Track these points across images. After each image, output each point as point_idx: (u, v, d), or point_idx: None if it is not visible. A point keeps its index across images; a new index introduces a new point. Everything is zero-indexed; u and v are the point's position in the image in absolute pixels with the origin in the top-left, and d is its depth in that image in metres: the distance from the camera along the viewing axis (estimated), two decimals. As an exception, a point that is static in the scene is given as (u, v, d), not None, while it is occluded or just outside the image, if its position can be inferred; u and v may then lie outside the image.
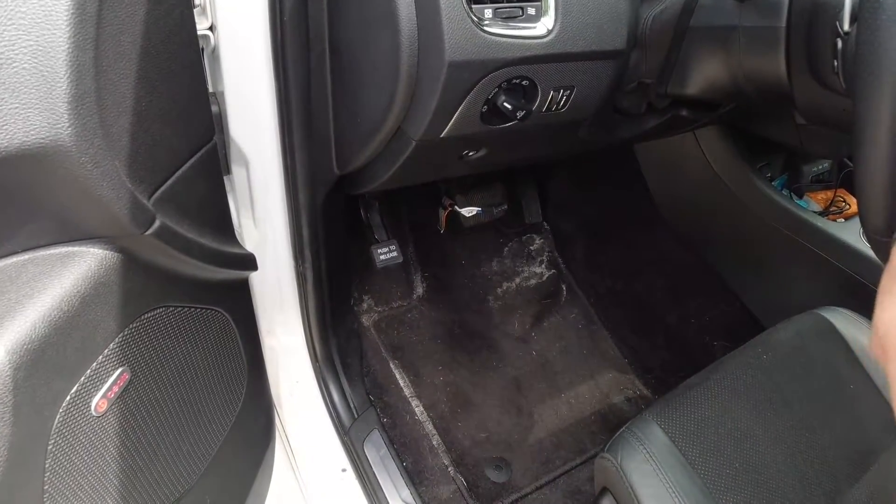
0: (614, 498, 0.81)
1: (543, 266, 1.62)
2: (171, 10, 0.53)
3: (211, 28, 0.83)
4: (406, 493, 1.12)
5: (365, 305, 1.40)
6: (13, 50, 0.38)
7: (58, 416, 0.51)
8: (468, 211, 1.16)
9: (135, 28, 0.47)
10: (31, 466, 0.50)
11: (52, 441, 0.51)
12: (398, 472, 1.15)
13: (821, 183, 1.35)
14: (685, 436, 0.82)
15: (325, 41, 0.78)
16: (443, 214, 1.23)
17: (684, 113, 0.87)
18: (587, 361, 1.47)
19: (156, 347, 0.63)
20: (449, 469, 1.21)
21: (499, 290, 1.55)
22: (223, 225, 0.73)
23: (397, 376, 1.32)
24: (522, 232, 1.64)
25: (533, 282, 1.59)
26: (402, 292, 1.45)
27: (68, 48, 0.40)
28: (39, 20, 0.38)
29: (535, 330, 1.50)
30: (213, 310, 0.73)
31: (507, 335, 1.48)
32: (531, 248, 1.64)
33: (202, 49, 0.86)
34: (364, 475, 1.14)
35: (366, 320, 1.39)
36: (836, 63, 0.58)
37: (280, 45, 0.80)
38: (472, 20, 0.60)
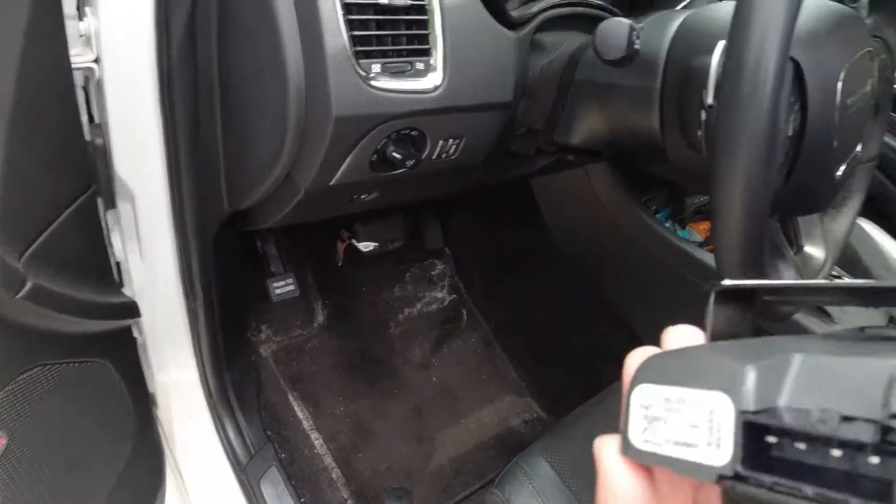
0: (505, 531, 0.83)
1: (444, 291, 1.65)
2: (46, 54, 0.51)
3: (96, 60, 0.80)
4: (304, 530, 1.11)
5: (263, 335, 1.37)
6: None
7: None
8: (365, 246, 1.16)
9: (6, 74, 0.45)
10: None
11: None
12: (296, 509, 1.13)
13: (702, 214, 1.44)
14: (571, 469, 0.85)
15: (215, 79, 0.77)
16: (340, 248, 1.22)
17: (570, 158, 0.90)
18: (487, 386, 1.50)
19: (35, 407, 0.60)
20: (348, 502, 1.20)
21: (400, 315, 1.55)
22: (102, 274, 0.71)
23: (296, 408, 1.30)
24: (424, 258, 1.66)
25: (434, 307, 1.61)
26: (302, 321, 1.44)
27: None
28: None
29: (435, 356, 1.52)
30: (94, 362, 0.70)
31: (408, 362, 1.49)
32: (433, 273, 1.66)
33: (88, 80, 0.83)
34: (261, 513, 1.11)
35: (264, 350, 1.36)
36: (699, 132, 0.63)
37: (167, 80, 0.78)
38: (360, 75, 0.61)
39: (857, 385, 0.17)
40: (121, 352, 0.77)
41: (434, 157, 0.75)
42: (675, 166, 0.76)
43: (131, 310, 0.77)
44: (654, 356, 0.22)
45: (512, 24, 0.75)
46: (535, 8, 0.80)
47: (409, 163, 0.71)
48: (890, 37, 0.95)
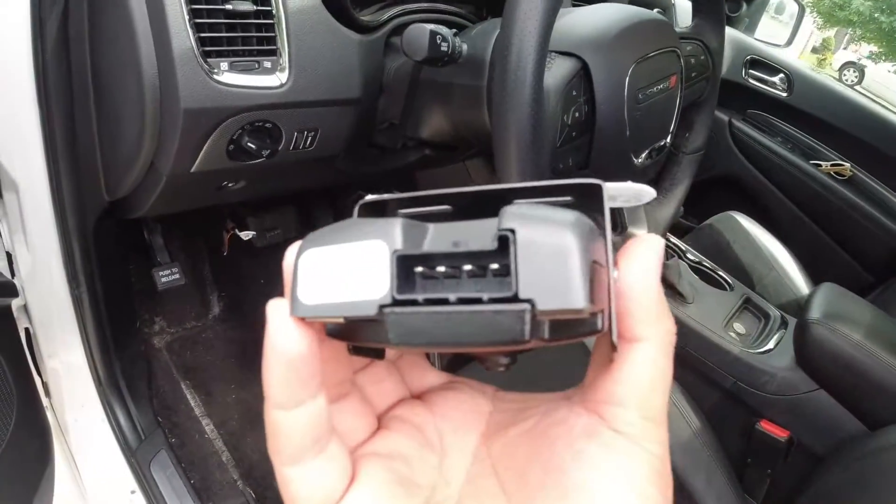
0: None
1: (342, 284, 1.72)
2: None
3: (-25, 56, 0.85)
4: (192, 508, 1.16)
5: (157, 327, 1.41)
6: None
7: None
8: (245, 234, 1.23)
9: None
10: None
11: None
12: (185, 490, 1.18)
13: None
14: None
15: (89, 77, 0.83)
16: (226, 237, 1.28)
17: (428, 152, 1.00)
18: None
19: None
20: (238, 483, 1.26)
21: (296, 308, 1.61)
22: (-26, 253, 0.75)
23: (188, 396, 1.35)
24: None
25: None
26: (196, 313, 1.48)
27: None
28: None
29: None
30: (-34, 337, 0.75)
31: (303, 351, 1.55)
32: (330, 267, 1.72)
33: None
34: (151, 495, 1.16)
35: (157, 342, 1.40)
36: None
37: (43, 78, 0.84)
38: (206, 72, 0.69)
39: (477, 229, 0.22)
40: (1, 331, 0.81)
41: (291, 147, 0.83)
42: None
43: (10, 289, 0.82)
44: (315, 231, 0.25)
45: (361, 28, 0.84)
46: (387, 14, 0.90)
47: (265, 152, 0.79)
48: (710, 40, 1.09)
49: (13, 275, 1.07)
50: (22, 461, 0.94)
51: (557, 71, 0.70)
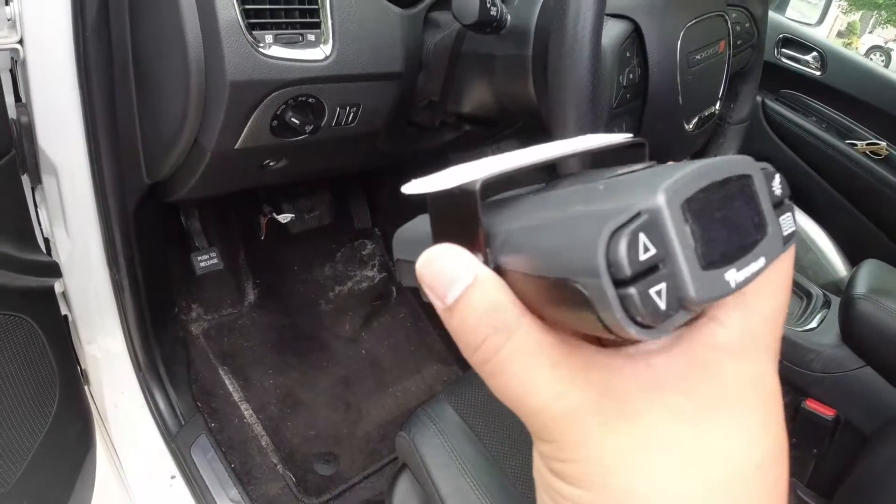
0: (411, 471, 0.91)
1: (375, 270, 1.71)
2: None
3: (20, 41, 0.85)
4: (234, 492, 1.17)
5: (194, 314, 1.42)
6: None
7: None
8: (283, 217, 1.22)
9: None
10: None
11: None
12: (225, 474, 1.19)
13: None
14: (473, 412, 0.93)
15: (129, 56, 0.83)
16: (263, 221, 1.28)
17: (467, 128, 0.99)
18: (414, 356, 1.57)
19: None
20: (278, 467, 1.26)
21: (331, 293, 1.62)
22: (23, 233, 0.76)
23: (226, 382, 1.35)
24: (354, 237, 1.72)
25: (365, 285, 1.67)
26: (232, 300, 1.49)
27: None
28: None
29: (364, 330, 1.59)
30: (16, 316, 0.75)
31: (337, 336, 1.55)
32: (363, 252, 1.72)
33: (14, 61, 0.88)
34: (193, 480, 1.16)
35: (195, 329, 1.41)
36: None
37: (84, 58, 0.84)
38: (251, 44, 0.68)
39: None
40: (44, 311, 0.81)
41: (333, 123, 0.82)
42: (549, 131, 0.85)
43: (51, 269, 0.82)
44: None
45: (402, 2, 0.83)
46: (427, -12, 0.88)
47: (308, 128, 0.78)
48: (755, 7, 1.06)
49: (52, 261, 1.07)
50: (65, 444, 0.94)
51: (611, 31, 0.68)
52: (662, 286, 0.20)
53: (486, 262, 0.24)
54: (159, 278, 1.17)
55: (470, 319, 0.24)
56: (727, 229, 0.22)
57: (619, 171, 0.26)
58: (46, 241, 1.06)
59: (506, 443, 0.90)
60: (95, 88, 0.86)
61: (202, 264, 1.14)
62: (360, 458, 1.34)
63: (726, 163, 0.23)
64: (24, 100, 0.92)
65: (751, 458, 0.23)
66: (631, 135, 0.28)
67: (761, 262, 0.22)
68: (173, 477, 1.18)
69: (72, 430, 0.96)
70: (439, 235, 0.26)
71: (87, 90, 0.87)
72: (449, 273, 0.24)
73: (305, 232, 1.53)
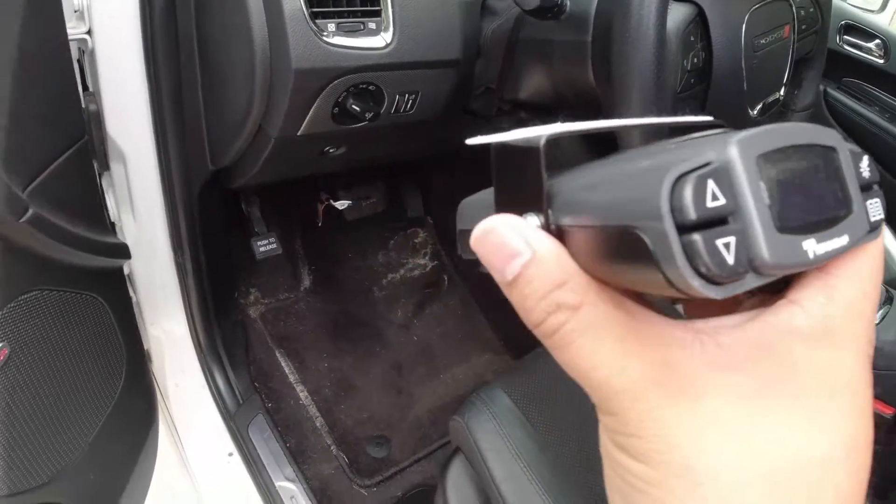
0: (464, 454, 0.91)
1: (427, 258, 1.73)
2: (42, 23, 0.59)
3: (89, 32, 0.88)
4: (289, 470, 1.20)
5: (252, 298, 1.46)
6: None
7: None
8: (340, 204, 1.25)
9: (10, 41, 0.54)
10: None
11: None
12: (282, 453, 1.22)
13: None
14: (527, 398, 0.93)
15: (194, 45, 0.85)
16: (320, 208, 1.31)
17: (524, 115, 0.98)
18: (465, 344, 1.58)
19: (34, 326, 0.68)
20: (331, 448, 1.29)
21: (384, 280, 1.64)
22: (95, 216, 0.79)
23: (283, 364, 1.39)
24: (407, 226, 1.74)
25: (416, 272, 1.69)
26: (289, 285, 1.52)
27: None
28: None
29: (417, 317, 1.60)
30: (88, 295, 0.79)
31: (390, 323, 1.57)
32: (415, 241, 1.74)
33: (82, 51, 0.91)
34: (249, 457, 1.20)
35: (252, 312, 1.45)
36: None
37: (151, 49, 0.87)
38: (315, 32, 0.69)
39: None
40: (113, 291, 0.85)
41: (392, 110, 0.83)
42: (608, 116, 0.84)
43: (121, 250, 0.85)
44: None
45: (461, -10, 0.83)
46: (485, -25, 0.88)
47: (369, 115, 0.79)
48: (819, -8, 1.03)
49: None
50: (129, 420, 0.98)
51: (675, 15, 0.67)
52: (731, 239, 0.19)
53: (546, 222, 0.23)
54: (221, 262, 1.21)
55: (531, 297, 0.23)
56: (807, 197, 0.20)
57: (692, 136, 0.25)
58: (112, 225, 1.10)
59: (559, 430, 0.90)
60: (163, 78, 0.89)
61: (262, 249, 1.17)
62: (411, 441, 1.35)
63: (810, 129, 0.22)
64: (91, 88, 0.95)
65: (813, 449, 0.22)
66: (710, 117, 0.27)
67: (844, 239, 0.21)
68: (230, 454, 1.22)
69: (136, 407, 1.00)
70: (501, 194, 0.25)
71: (155, 80, 0.90)
72: (507, 247, 0.23)
73: (359, 219, 1.55)
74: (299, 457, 1.25)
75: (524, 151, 0.23)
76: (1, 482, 0.67)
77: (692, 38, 0.69)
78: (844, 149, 0.22)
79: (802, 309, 0.23)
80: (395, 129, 0.89)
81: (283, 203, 1.44)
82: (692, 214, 0.18)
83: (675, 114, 0.68)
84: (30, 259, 0.65)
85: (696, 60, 0.70)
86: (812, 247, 0.20)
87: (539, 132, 0.23)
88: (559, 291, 0.23)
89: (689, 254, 0.19)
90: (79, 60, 0.94)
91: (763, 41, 0.78)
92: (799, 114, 1.00)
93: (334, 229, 1.55)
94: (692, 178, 0.19)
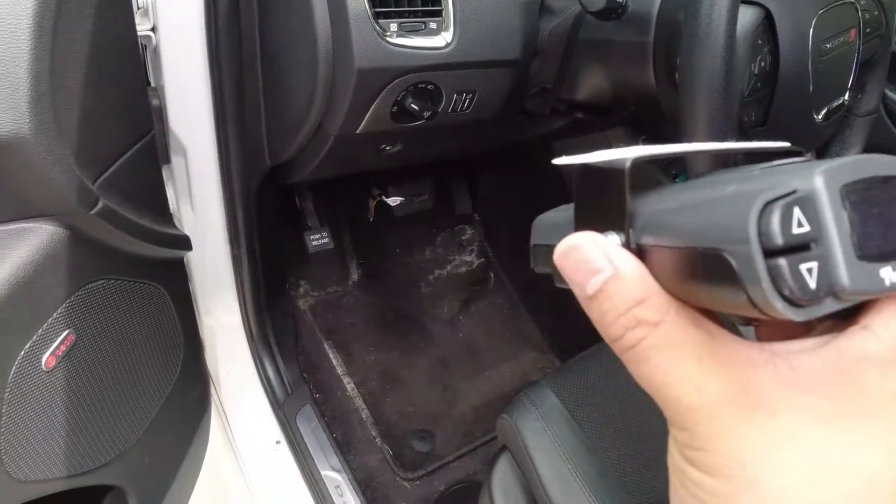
0: (511, 453, 0.92)
1: (473, 255, 1.73)
2: (114, 21, 0.62)
3: (153, 29, 0.91)
4: (335, 460, 1.22)
5: (302, 290, 1.48)
6: None
7: (13, 369, 0.59)
8: (392, 200, 1.26)
9: (83, 38, 0.56)
10: (-13, 411, 0.58)
11: (8, 390, 0.59)
12: (328, 443, 1.24)
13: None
14: (575, 399, 0.93)
15: (257, 44, 0.87)
16: (372, 204, 1.32)
17: (580, 115, 0.98)
18: (510, 343, 1.58)
19: (99, 314, 0.71)
20: (376, 440, 1.31)
21: (430, 276, 1.65)
22: (160, 208, 0.81)
23: (330, 356, 1.41)
24: (454, 223, 1.74)
25: (463, 269, 1.70)
26: (337, 278, 1.54)
27: (29, 58, 0.48)
28: (7, 36, 0.47)
29: (462, 314, 1.61)
30: (150, 284, 0.81)
31: (436, 319, 1.58)
32: (462, 238, 1.74)
33: (145, 47, 0.94)
34: (296, 446, 1.23)
35: (302, 304, 1.47)
36: (677, 76, 0.70)
37: (215, 46, 0.89)
38: (378, 32, 0.70)
39: None
40: (174, 281, 0.88)
41: (450, 110, 0.83)
42: (668, 118, 0.83)
43: (185, 242, 0.88)
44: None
45: (520, -10, 0.83)
46: (544, -25, 0.88)
47: (426, 114, 0.80)
48: (883, -6, 0.99)
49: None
50: (185, 405, 1.01)
51: (743, 18, 0.66)
52: (814, 265, 0.20)
53: (627, 242, 0.24)
54: (274, 255, 1.23)
55: (611, 313, 0.24)
56: (886, 226, 0.21)
57: (774, 164, 0.26)
58: (171, 215, 1.13)
59: (608, 433, 0.90)
60: (225, 75, 0.91)
61: (314, 243, 1.20)
62: (456, 437, 1.36)
63: (891, 162, 0.22)
64: (153, 84, 0.98)
65: (886, 473, 0.23)
66: (788, 143, 0.28)
67: None
68: (278, 442, 1.24)
69: (192, 393, 1.03)
70: (582, 212, 0.27)
71: (218, 77, 0.92)
72: (589, 263, 0.24)
73: (408, 215, 1.57)
74: (345, 447, 1.27)
75: (609, 173, 0.25)
76: (62, 464, 0.70)
77: (759, 42, 0.68)
78: None
79: (875, 335, 0.23)
80: (451, 128, 0.89)
81: (334, 198, 1.46)
82: (779, 240, 0.20)
83: (740, 119, 0.67)
84: (97, 249, 0.67)
85: (763, 64, 0.68)
86: (889, 274, 0.21)
87: (624, 154, 0.24)
88: (639, 308, 0.24)
89: (774, 277, 0.20)
90: (142, 55, 0.97)
91: (829, 45, 0.76)
92: (861, 118, 0.97)
93: (383, 225, 1.56)
94: (780, 205, 0.20)
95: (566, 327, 1.59)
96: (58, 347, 0.64)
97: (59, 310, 0.64)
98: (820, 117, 0.79)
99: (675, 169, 1.44)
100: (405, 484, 1.26)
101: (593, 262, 0.24)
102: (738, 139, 0.67)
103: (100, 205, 0.63)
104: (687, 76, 0.58)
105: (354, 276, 1.57)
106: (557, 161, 0.28)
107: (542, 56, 0.92)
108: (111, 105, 0.66)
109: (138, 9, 0.90)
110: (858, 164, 0.21)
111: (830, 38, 0.77)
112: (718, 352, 0.24)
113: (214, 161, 1.03)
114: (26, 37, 0.48)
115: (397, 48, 0.72)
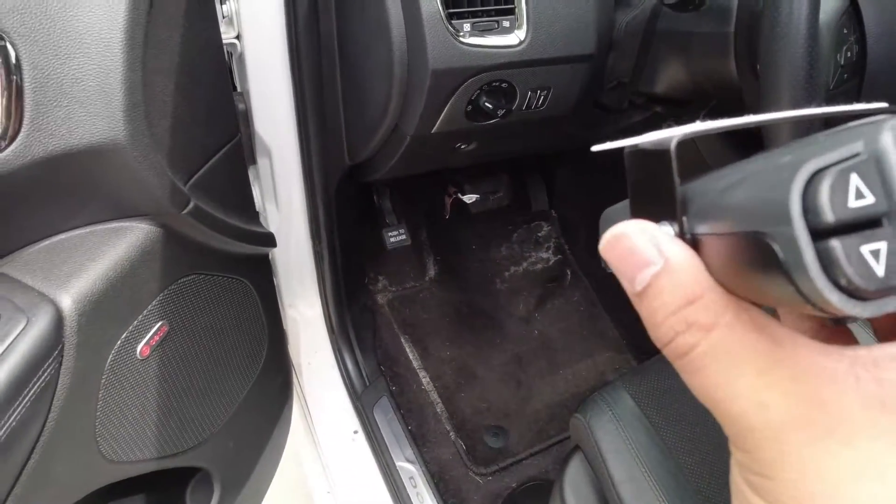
0: (584, 453, 0.91)
1: (550, 252, 1.72)
2: (200, 33, 0.65)
3: (238, 37, 0.96)
4: (409, 452, 1.24)
5: (380, 285, 1.52)
6: (82, 72, 0.50)
7: (110, 356, 0.64)
8: (468, 198, 1.27)
9: (172, 49, 0.59)
10: (88, 395, 0.63)
11: (105, 376, 0.64)
12: (403, 435, 1.27)
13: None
14: (651, 402, 0.91)
15: (335, 47, 0.90)
16: (448, 201, 1.34)
17: (658, 109, 0.96)
18: (586, 341, 1.57)
19: (190, 307, 0.76)
20: (450, 434, 1.32)
21: (506, 273, 1.65)
22: (246, 207, 0.86)
23: (407, 350, 1.44)
24: (530, 219, 1.74)
25: (539, 266, 1.69)
26: (415, 274, 1.57)
27: (122, 70, 0.52)
28: (101, 48, 0.51)
29: (538, 311, 1.61)
30: (237, 279, 0.86)
31: (511, 315, 1.58)
32: (539, 234, 1.74)
33: (230, 54, 0.99)
34: (373, 436, 1.26)
35: (380, 299, 1.51)
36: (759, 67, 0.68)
37: (296, 52, 0.92)
38: (452, 33, 0.71)
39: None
40: (259, 275, 0.92)
41: (524, 107, 0.83)
42: (750, 108, 0.80)
43: (270, 239, 0.92)
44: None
45: (595, -17, 0.82)
46: (620, -33, 0.87)
47: (501, 112, 0.81)
48: None
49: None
50: (268, 393, 1.06)
51: (827, 6, 0.63)
52: (882, 245, 0.16)
53: (681, 232, 0.21)
54: (353, 251, 1.27)
55: (660, 312, 0.21)
56: None
57: (850, 125, 0.21)
58: (257, 214, 1.19)
59: (684, 437, 0.88)
60: (306, 79, 0.95)
61: (392, 240, 1.22)
62: (529, 435, 1.36)
63: None
64: (239, 89, 1.03)
65: None
66: (885, 103, 0.22)
67: None
68: (356, 432, 1.28)
69: (275, 382, 1.08)
70: (636, 201, 0.23)
71: (299, 81, 0.95)
72: (637, 254, 0.21)
73: (484, 212, 1.57)
74: (419, 440, 1.29)
75: (656, 155, 0.22)
76: (152, 446, 0.75)
77: (845, 31, 0.64)
78: None
79: None
80: (526, 125, 0.90)
81: (412, 195, 1.48)
82: (829, 216, 0.16)
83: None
84: (189, 246, 0.72)
85: (849, 54, 0.65)
86: None
87: (671, 133, 0.21)
88: (691, 308, 0.21)
89: (826, 263, 0.16)
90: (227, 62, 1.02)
91: None
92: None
93: (459, 221, 1.58)
94: (831, 172, 0.16)
95: (644, 327, 1.55)
96: (152, 338, 0.69)
97: (154, 303, 0.69)
98: (918, 108, 0.75)
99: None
100: (477, 479, 1.27)
101: (642, 252, 0.21)
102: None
103: (191, 205, 0.67)
104: (768, 69, 0.57)
105: (431, 272, 1.59)
106: (597, 148, 0.25)
107: (618, 49, 0.91)
108: (200, 111, 0.70)
109: (223, 17, 0.95)
110: None
111: None
112: (785, 362, 0.20)
113: (297, 161, 1.07)
114: (119, 49, 0.52)
115: (471, 48, 0.72)
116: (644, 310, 0.22)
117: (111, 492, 0.80)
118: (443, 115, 0.78)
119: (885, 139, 0.16)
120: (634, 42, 0.88)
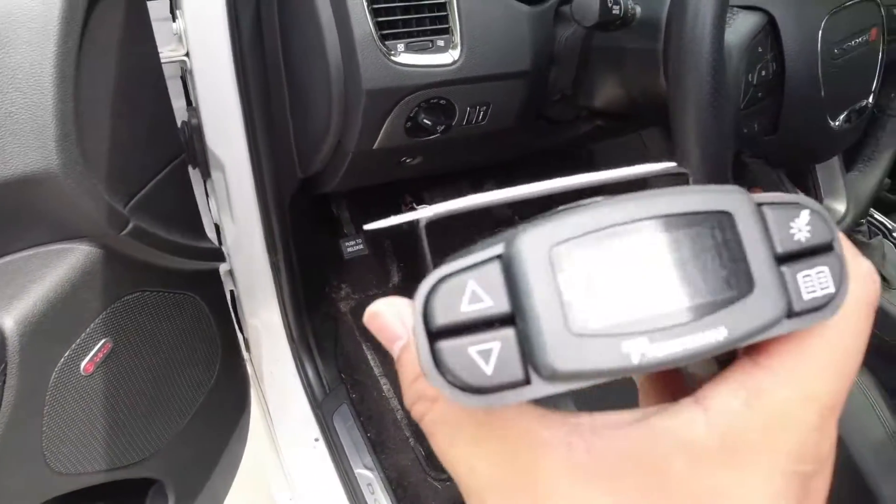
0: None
1: (513, 257, 1.74)
2: (137, 59, 0.67)
3: (187, 54, 0.97)
4: (368, 459, 1.26)
5: (343, 293, 1.53)
6: (15, 106, 0.52)
7: (54, 374, 0.65)
8: (421, 208, 1.29)
9: (107, 77, 0.61)
10: (32, 411, 0.64)
11: (49, 392, 0.65)
12: (362, 442, 1.28)
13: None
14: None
15: (281, 64, 0.91)
16: (404, 211, 1.36)
17: (600, 123, 0.99)
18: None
19: (134, 323, 0.77)
20: (409, 440, 1.34)
21: (469, 279, 1.67)
22: (193, 224, 0.87)
23: (369, 357, 1.45)
24: (494, 226, 1.76)
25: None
26: (378, 281, 1.58)
27: (53, 103, 0.54)
28: (32, 84, 0.53)
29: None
30: (186, 294, 0.87)
31: (474, 321, 1.60)
32: (501, 240, 1.75)
33: (184, 70, 1.00)
34: (333, 444, 1.27)
35: (343, 306, 1.52)
36: None
37: (242, 69, 0.94)
38: (384, 53, 0.73)
39: None
40: (209, 290, 0.93)
41: (465, 122, 0.86)
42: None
43: (216, 254, 0.93)
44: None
45: (530, 0, 0.84)
46: (556, -17, 0.89)
47: (441, 128, 0.83)
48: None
49: (220, 244, 1.21)
50: (223, 405, 1.07)
51: (740, 26, 0.66)
52: (495, 346, 0.17)
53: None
54: (312, 261, 1.28)
55: (404, 381, 0.23)
56: (648, 284, 0.17)
57: (571, 206, 0.21)
58: (217, 226, 1.20)
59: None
60: (253, 94, 0.96)
61: (349, 250, 1.24)
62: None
63: (696, 194, 0.18)
64: (193, 104, 1.04)
65: None
66: (674, 163, 0.24)
67: (720, 333, 0.17)
68: (316, 440, 1.29)
69: (230, 394, 1.09)
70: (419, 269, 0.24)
71: (247, 96, 0.97)
72: (387, 330, 0.24)
73: (446, 218, 1.59)
74: (378, 447, 1.31)
75: (416, 231, 0.23)
76: (101, 459, 0.76)
77: (760, 50, 0.67)
78: (749, 211, 0.18)
79: (706, 415, 0.19)
80: (470, 139, 0.92)
81: (370, 205, 1.50)
82: (438, 320, 0.17)
83: (740, 130, 0.67)
84: (132, 265, 0.73)
85: (763, 73, 0.68)
86: (641, 348, 0.17)
87: (433, 211, 0.23)
88: (420, 381, 0.22)
89: (437, 362, 0.17)
90: (182, 78, 1.03)
91: (845, 46, 0.75)
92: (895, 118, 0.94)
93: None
94: (450, 280, 0.18)
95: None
96: (95, 354, 0.70)
97: (96, 321, 0.70)
98: (838, 122, 0.78)
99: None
100: (436, 484, 1.29)
101: (390, 328, 0.23)
102: (739, 149, 0.66)
103: (130, 226, 0.68)
104: (675, 89, 0.59)
105: (395, 278, 1.60)
106: (368, 227, 0.28)
107: (559, 64, 0.93)
108: (140, 133, 0.71)
109: (174, 34, 0.96)
110: (603, 210, 0.18)
111: (845, 40, 0.75)
112: (498, 431, 0.21)
113: (249, 174, 1.09)
114: (49, 83, 0.54)
115: (405, 67, 0.74)
116: (399, 376, 0.24)
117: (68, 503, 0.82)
118: (382, 131, 0.80)
119: (520, 244, 0.17)
120: (573, 57, 0.90)
